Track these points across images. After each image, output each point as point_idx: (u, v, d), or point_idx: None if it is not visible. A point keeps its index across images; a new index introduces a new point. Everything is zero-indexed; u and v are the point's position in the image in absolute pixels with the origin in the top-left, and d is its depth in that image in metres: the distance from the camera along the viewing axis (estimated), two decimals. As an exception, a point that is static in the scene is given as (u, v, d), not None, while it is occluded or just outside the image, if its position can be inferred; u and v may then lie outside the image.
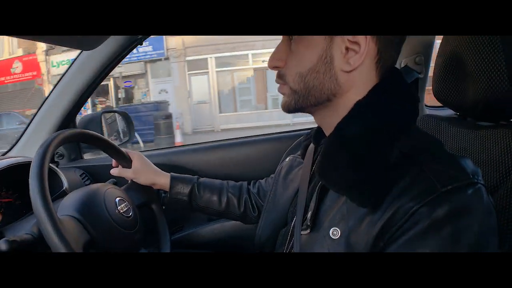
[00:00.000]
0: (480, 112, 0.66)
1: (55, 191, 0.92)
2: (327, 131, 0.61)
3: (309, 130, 0.78)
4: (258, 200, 0.96)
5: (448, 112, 0.81)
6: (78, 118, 1.19)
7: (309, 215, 0.58)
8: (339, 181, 0.52)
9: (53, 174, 0.96)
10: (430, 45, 1.13)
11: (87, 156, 1.25)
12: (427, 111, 1.25)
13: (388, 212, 0.46)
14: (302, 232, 0.60)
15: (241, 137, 1.32)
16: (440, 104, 0.76)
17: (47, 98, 1.09)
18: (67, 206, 0.72)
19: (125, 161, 0.92)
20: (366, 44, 0.52)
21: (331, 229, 0.53)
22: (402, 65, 1.11)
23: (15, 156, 0.95)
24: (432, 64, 1.02)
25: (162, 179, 0.93)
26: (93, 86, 1.09)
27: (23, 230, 0.69)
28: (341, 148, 0.53)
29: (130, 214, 0.79)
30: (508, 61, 0.60)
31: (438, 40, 0.82)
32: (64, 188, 0.94)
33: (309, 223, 0.58)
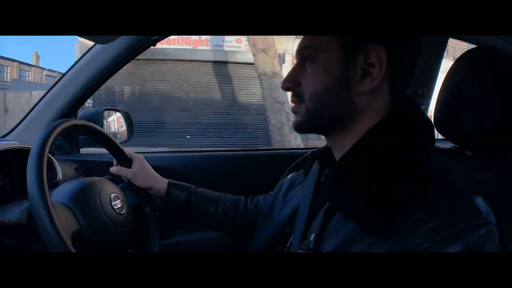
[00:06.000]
0: (479, 146, 0.68)
1: (48, 181, 0.90)
2: (338, 153, 0.60)
3: (315, 149, 0.78)
4: (254, 216, 0.93)
5: (447, 145, 0.82)
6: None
7: (312, 237, 0.57)
8: (349, 206, 0.51)
9: (48, 164, 0.95)
10: (433, 79, 1.16)
11: (83, 151, 1.23)
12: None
13: (397, 245, 0.45)
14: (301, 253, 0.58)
15: (244, 149, 1.31)
16: (441, 137, 0.77)
17: (53, 86, 1.09)
18: (61, 193, 0.71)
19: (126, 161, 0.91)
20: (382, 66, 0.53)
21: None
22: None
23: (12, 140, 0.93)
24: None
25: (160, 185, 0.92)
26: (101, 81, 1.09)
27: (12, 215, 0.67)
28: (355, 172, 0.53)
29: (124, 212, 0.78)
30: (510, 98, 0.62)
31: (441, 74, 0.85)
32: (57, 179, 0.93)
33: (311, 245, 0.56)
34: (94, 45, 1.03)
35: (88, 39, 0.81)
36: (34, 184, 0.59)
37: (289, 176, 0.82)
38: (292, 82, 0.60)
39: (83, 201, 0.70)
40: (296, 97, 0.60)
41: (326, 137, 0.62)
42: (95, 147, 1.12)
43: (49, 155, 0.98)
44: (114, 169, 0.92)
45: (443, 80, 0.75)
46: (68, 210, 0.67)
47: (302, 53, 0.59)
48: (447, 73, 0.74)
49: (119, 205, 0.77)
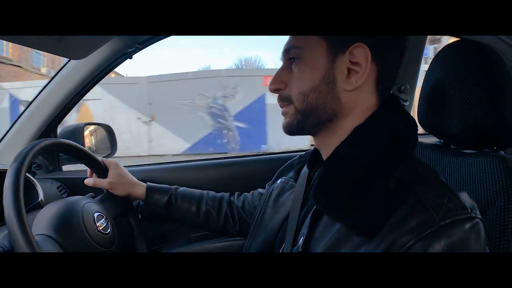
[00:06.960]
0: (463, 140, 0.68)
1: (30, 202, 0.88)
2: (325, 154, 0.60)
3: (303, 153, 0.77)
4: (241, 214, 0.92)
5: (432, 139, 0.82)
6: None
7: (301, 240, 0.57)
8: (335, 207, 0.51)
9: (29, 185, 0.92)
10: (415, 74, 1.16)
11: (66, 168, 1.21)
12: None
13: (384, 243, 0.45)
14: None
15: (230, 157, 1.30)
16: (424, 132, 0.77)
17: (29, 104, 1.06)
18: (43, 223, 0.68)
19: (101, 171, 0.89)
20: (367, 65, 0.53)
21: None
22: (388, 93, 1.14)
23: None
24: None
25: (139, 190, 0.91)
26: (77, 97, 1.07)
27: None
28: (339, 173, 0.52)
29: (109, 231, 0.76)
30: (491, 91, 0.62)
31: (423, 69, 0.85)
32: (39, 199, 0.90)
33: (300, 249, 0.56)
34: (68, 61, 1.01)
35: (61, 55, 0.79)
36: (12, 219, 0.56)
37: (278, 182, 0.81)
38: (279, 84, 0.59)
39: (67, 229, 0.68)
40: (284, 99, 0.59)
41: (314, 138, 0.62)
42: (77, 163, 1.10)
43: (30, 176, 0.96)
44: (89, 181, 0.90)
45: (425, 74, 0.75)
46: (53, 242, 0.65)
47: (288, 54, 0.59)
48: (429, 67, 0.73)
49: (104, 225, 0.75)
